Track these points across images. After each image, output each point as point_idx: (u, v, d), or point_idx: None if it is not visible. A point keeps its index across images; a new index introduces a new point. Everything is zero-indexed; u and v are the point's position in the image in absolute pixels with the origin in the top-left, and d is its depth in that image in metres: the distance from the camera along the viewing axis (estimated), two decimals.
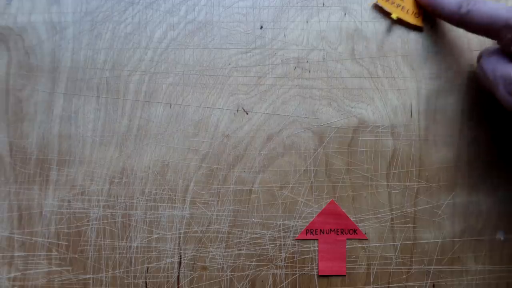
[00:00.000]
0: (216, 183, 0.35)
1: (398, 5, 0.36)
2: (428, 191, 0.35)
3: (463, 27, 0.32)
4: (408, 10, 0.36)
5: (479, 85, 0.33)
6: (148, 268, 0.35)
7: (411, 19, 0.36)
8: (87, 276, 0.35)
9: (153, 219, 0.35)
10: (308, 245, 0.35)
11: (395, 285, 0.35)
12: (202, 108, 0.36)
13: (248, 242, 0.35)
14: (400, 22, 0.36)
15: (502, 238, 0.35)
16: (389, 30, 0.36)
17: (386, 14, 0.36)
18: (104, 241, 0.35)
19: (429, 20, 0.36)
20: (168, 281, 0.35)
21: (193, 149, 0.36)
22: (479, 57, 0.32)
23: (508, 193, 0.35)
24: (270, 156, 0.36)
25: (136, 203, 0.35)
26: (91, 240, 0.35)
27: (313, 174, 0.36)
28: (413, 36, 0.36)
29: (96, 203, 0.35)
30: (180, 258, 0.35)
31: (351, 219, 0.35)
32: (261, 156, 0.36)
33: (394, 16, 0.35)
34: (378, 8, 0.36)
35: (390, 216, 0.35)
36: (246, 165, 0.36)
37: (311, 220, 0.35)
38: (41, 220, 0.35)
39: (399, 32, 0.36)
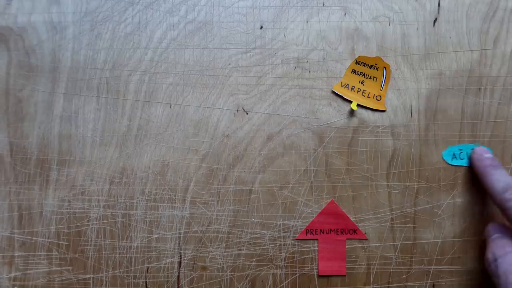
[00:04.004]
0: (216, 183, 0.36)
1: (359, 90, 0.35)
2: (428, 191, 0.35)
3: (500, 209, 0.31)
4: (369, 93, 0.35)
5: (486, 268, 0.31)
6: (148, 268, 0.35)
7: (372, 103, 0.35)
8: (87, 276, 0.35)
9: (153, 219, 0.35)
10: (308, 245, 0.35)
11: (395, 285, 0.35)
12: (202, 108, 0.36)
13: (248, 242, 0.35)
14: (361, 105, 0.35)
15: None
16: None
17: (346, 99, 0.36)
18: (104, 241, 0.35)
19: (431, 17, 0.36)
20: (168, 281, 0.35)
21: (193, 149, 0.36)
22: (489, 239, 0.31)
23: None
24: (270, 156, 0.36)
25: (136, 203, 0.35)
26: (91, 240, 0.35)
27: (313, 174, 0.36)
28: (413, 36, 0.36)
29: (96, 203, 0.35)
30: (180, 258, 0.35)
31: (351, 219, 0.35)
32: (261, 156, 0.36)
33: (353, 105, 0.35)
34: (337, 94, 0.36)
35: (390, 216, 0.35)
36: (246, 165, 0.36)
37: (311, 220, 0.35)
38: (41, 220, 0.35)
39: (399, 32, 0.36)
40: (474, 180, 0.35)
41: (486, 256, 0.30)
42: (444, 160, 0.35)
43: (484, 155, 0.34)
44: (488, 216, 0.35)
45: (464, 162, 0.35)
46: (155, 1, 0.36)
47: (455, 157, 0.35)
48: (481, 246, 0.35)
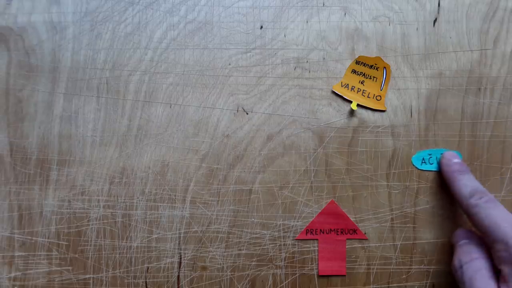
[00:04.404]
0: (216, 183, 0.36)
1: (359, 90, 0.35)
2: (428, 191, 0.35)
3: (467, 215, 0.31)
4: (369, 93, 0.35)
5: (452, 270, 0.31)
6: (148, 268, 0.35)
7: (372, 103, 0.35)
8: (87, 276, 0.35)
9: (153, 219, 0.35)
10: (308, 245, 0.35)
11: (395, 285, 0.35)
12: (202, 108, 0.36)
13: (248, 242, 0.35)
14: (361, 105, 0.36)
15: None
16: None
17: (346, 99, 0.36)
18: (104, 241, 0.35)
19: (431, 17, 0.36)
20: (168, 281, 0.35)
21: (193, 149, 0.36)
22: (456, 245, 0.31)
23: (508, 193, 0.35)
24: (270, 156, 0.36)
25: (136, 203, 0.35)
26: (91, 240, 0.35)
27: (313, 174, 0.36)
28: (413, 36, 0.36)
29: (96, 203, 0.35)
30: (180, 258, 0.35)
31: (351, 219, 0.35)
32: (261, 156, 0.36)
33: (353, 105, 0.35)
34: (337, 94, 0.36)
35: (390, 216, 0.35)
36: (246, 165, 0.36)
37: (311, 220, 0.35)
38: (41, 220, 0.35)
39: (399, 32, 0.36)
40: None
41: (453, 262, 0.30)
42: (413, 165, 0.35)
43: (452, 160, 0.34)
44: None
45: (433, 167, 0.35)
46: (155, 1, 0.36)
47: (424, 162, 0.35)
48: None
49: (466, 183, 0.32)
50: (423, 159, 0.35)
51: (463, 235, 0.31)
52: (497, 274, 0.28)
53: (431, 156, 0.34)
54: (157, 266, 0.35)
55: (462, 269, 0.29)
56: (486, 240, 0.29)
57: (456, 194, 0.32)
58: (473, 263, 0.29)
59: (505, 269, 0.27)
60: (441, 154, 0.34)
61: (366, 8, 0.36)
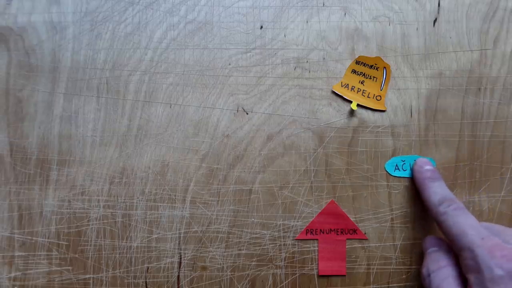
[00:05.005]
0: (216, 183, 0.36)
1: (359, 90, 0.35)
2: None
3: (436, 222, 0.31)
4: (369, 93, 0.35)
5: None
6: (148, 268, 0.35)
7: (372, 103, 0.35)
8: (87, 276, 0.35)
9: (153, 219, 0.35)
10: (308, 245, 0.35)
11: (395, 285, 0.35)
12: (202, 108, 0.36)
13: (248, 242, 0.35)
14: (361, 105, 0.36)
15: None
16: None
17: (346, 99, 0.36)
18: (104, 241, 0.35)
19: (431, 17, 0.36)
20: (168, 281, 0.35)
21: (193, 149, 0.36)
22: (426, 253, 0.31)
23: (508, 193, 0.35)
24: (270, 156, 0.36)
25: (136, 203, 0.35)
26: (91, 240, 0.35)
27: (313, 174, 0.36)
28: (413, 36, 0.36)
29: (96, 203, 0.35)
30: (180, 258, 0.35)
31: (351, 219, 0.35)
32: (261, 156, 0.36)
33: (353, 105, 0.35)
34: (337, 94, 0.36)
35: (390, 216, 0.35)
36: (246, 165, 0.36)
37: (311, 220, 0.35)
38: (41, 220, 0.35)
39: (399, 32, 0.36)
40: (474, 180, 0.35)
41: (421, 270, 0.30)
42: (386, 171, 0.35)
43: (424, 167, 0.33)
44: (487, 216, 0.35)
45: (406, 174, 0.35)
46: (155, 1, 0.36)
47: (398, 168, 0.35)
48: None
49: (436, 191, 0.31)
50: (396, 165, 0.35)
51: (432, 243, 0.31)
52: (465, 283, 0.28)
53: (404, 162, 0.35)
54: (157, 266, 0.35)
55: (429, 277, 0.29)
56: (454, 248, 0.29)
57: (426, 201, 0.32)
58: (441, 272, 0.29)
59: (471, 278, 0.26)
60: (414, 160, 0.34)
61: (366, 8, 0.36)
